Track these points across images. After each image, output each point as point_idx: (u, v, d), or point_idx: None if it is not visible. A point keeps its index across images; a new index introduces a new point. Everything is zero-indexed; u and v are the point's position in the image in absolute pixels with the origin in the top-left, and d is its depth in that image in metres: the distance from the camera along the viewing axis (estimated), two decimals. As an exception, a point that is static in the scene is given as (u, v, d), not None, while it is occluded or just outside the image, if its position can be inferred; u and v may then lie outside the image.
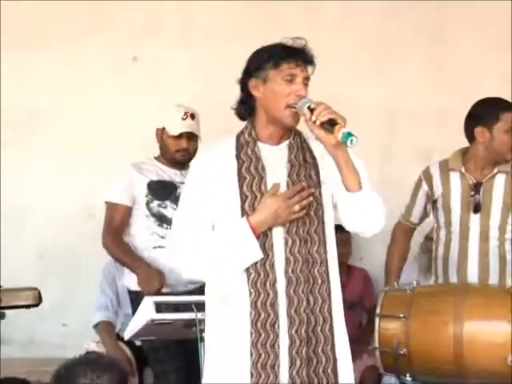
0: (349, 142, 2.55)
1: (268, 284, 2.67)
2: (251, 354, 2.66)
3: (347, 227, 2.73)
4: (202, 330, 3.11)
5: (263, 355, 2.66)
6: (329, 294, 2.72)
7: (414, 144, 4.56)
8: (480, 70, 4.75)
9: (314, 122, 2.58)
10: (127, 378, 2.74)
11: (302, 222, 2.69)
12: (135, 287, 3.83)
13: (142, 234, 3.88)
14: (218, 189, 2.70)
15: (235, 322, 2.69)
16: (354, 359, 2.81)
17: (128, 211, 3.88)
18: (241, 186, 2.70)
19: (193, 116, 3.89)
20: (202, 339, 3.10)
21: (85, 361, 2.66)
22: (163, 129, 3.92)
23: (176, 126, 3.87)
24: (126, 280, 3.93)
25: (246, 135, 2.74)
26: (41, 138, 4.75)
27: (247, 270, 2.67)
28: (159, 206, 3.88)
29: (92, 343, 4.13)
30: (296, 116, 2.66)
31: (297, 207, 2.65)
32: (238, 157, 2.72)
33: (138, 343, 4.01)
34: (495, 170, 3.69)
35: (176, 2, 4.80)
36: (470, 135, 3.72)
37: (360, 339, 4.34)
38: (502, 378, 3.16)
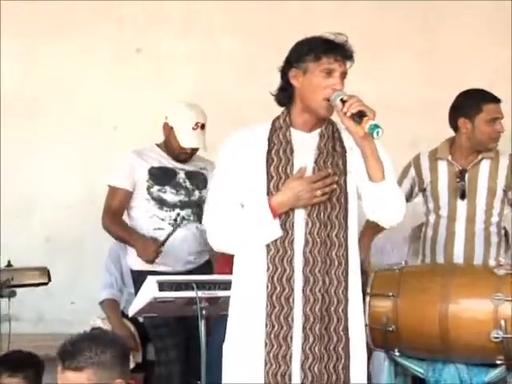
0: (375, 134, 2.56)
1: (285, 260, 2.68)
2: (266, 325, 2.67)
3: (370, 217, 2.73)
4: (202, 308, 3.14)
5: (276, 326, 2.67)
6: (345, 277, 2.71)
7: (402, 133, 4.55)
8: (466, 62, 4.72)
9: (345, 113, 2.59)
10: (129, 353, 2.75)
11: (324, 207, 2.69)
12: (137, 267, 3.84)
13: (143, 216, 3.87)
14: (248, 168, 2.71)
15: (253, 294, 2.71)
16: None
17: (128, 195, 3.87)
18: (268, 167, 2.71)
19: (203, 126, 3.83)
20: (202, 316, 3.13)
21: (89, 337, 2.66)
22: (171, 128, 3.86)
23: (185, 138, 3.81)
24: (130, 259, 3.93)
25: (281, 120, 2.76)
26: (46, 127, 4.70)
27: (267, 245, 2.68)
28: (159, 190, 3.87)
29: (98, 320, 4.13)
30: (330, 108, 2.67)
31: (319, 192, 2.65)
32: (269, 140, 2.74)
33: (141, 320, 4.01)
34: (480, 157, 3.70)
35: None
36: (454, 125, 3.73)
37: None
38: (485, 352, 3.18)
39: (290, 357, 2.66)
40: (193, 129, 3.82)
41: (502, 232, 3.76)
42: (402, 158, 3.87)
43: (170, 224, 3.84)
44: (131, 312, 3.45)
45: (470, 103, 3.67)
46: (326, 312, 2.68)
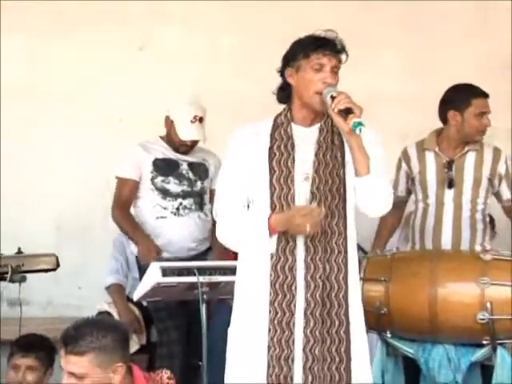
0: (357, 131, 2.57)
1: (288, 250, 2.68)
2: (269, 312, 2.68)
3: (359, 207, 2.74)
4: (203, 292, 3.15)
5: (280, 313, 2.67)
6: (345, 264, 2.72)
7: (390, 126, 4.54)
8: (451, 57, 4.72)
9: (333, 109, 2.60)
10: (128, 337, 2.77)
11: (325, 197, 2.70)
12: (141, 254, 3.87)
13: (147, 205, 3.88)
14: (252, 163, 2.72)
15: (256, 282, 2.71)
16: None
17: (136, 185, 3.88)
18: (270, 161, 2.72)
19: (201, 119, 3.84)
20: (203, 300, 3.14)
21: (91, 322, 2.68)
22: (172, 121, 3.87)
23: (184, 131, 3.82)
24: (134, 247, 3.93)
25: (283, 117, 2.77)
26: (56, 120, 4.68)
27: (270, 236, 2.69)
28: (163, 181, 3.87)
29: (104, 304, 4.13)
30: (323, 101, 2.67)
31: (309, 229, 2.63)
32: (272, 135, 2.75)
33: (145, 304, 4.01)
34: (466, 149, 3.70)
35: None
36: (443, 118, 3.72)
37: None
38: (472, 333, 3.18)
39: (293, 341, 2.66)
40: (191, 122, 3.83)
41: (487, 219, 3.78)
42: (389, 152, 3.85)
43: (172, 213, 3.85)
44: (136, 296, 3.46)
45: (460, 97, 3.68)
46: (327, 298, 2.68)
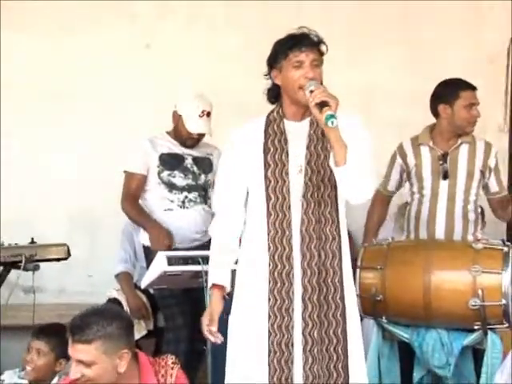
0: (329, 123, 2.56)
1: (285, 240, 2.70)
2: (269, 300, 2.69)
3: (342, 195, 2.74)
4: (207, 280, 3.13)
5: (279, 300, 2.69)
6: (339, 250, 2.73)
7: (388, 119, 4.53)
8: (447, 53, 4.70)
9: (311, 102, 2.60)
10: (133, 324, 2.78)
11: (317, 188, 2.71)
12: (149, 243, 3.84)
13: (154, 198, 3.88)
14: (248, 159, 2.74)
15: (256, 272, 2.73)
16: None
17: (143, 179, 3.88)
18: (265, 156, 2.73)
19: (208, 114, 3.83)
20: (207, 288, 3.13)
21: (96, 311, 2.69)
22: (180, 116, 3.86)
23: (192, 124, 3.82)
24: (141, 237, 3.93)
25: (275, 113, 2.79)
26: (68, 116, 4.67)
27: (268, 227, 2.70)
28: (169, 175, 3.87)
29: (113, 291, 4.13)
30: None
31: None
32: (265, 131, 2.76)
33: (152, 291, 4.02)
34: (459, 141, 3.70)
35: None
36: (434, 112, 3.72)
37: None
38: (464, 318, 3.19)
39: (292, 327, 2.68)
40: (199, 116, 3.82)
41: (479, 210, 3.77)
42: (387, 145, 3.86)
43: (178, 206, 3.85)
44: (143, 284, 3.47)
45: (449, 91, 3.68)
46: (323, 283, 2.69)
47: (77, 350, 2.59)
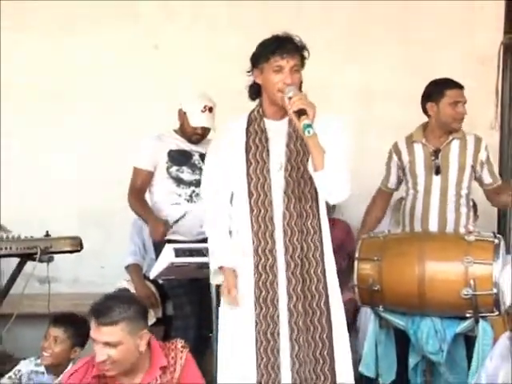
0: (306, 132, 2.58)
1: (267, 234, 2.71)
2: (254, 292, 2.72)
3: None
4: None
5: (264, 291, 2.71)
6: (320, 243, 2.75)
7: (387, 119, 4.52)
8: (442, 54, 4.69)
9: (290, 109, 2.62)
10: (146, 308, 2.80)
11: (298, 184, 2.72)
12: (156, 237, 3.88)
13: (162, 193, 3.88)
14: (231, 157, 2.75)
15: (242, 265, 2.76)
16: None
17: (149, 175, 3.89)
18: (247, 155, 2.74)
19: (210, 109, 3.85)
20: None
21: (114, 297, 2.73)
22: (185, 113, 3.89)
23: (195, 118, 3.84)
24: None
25: (256, 112, 2.80)
26: (78, 115, 4.64)
27: (251, 222, 2.72)
28: (177, 170, 3.88)
29: (124, 281, 4.14)
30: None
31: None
32: (247, 130, 2.77)
33: (160, 282, 4.04)
34: (450, 138, 3.70)
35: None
36: (424, 111, 3.75)
37: (341, 278, 4.35)
38: (457, 307, 3.20)
39: (278, 316, 2.70)
40: (201, 111, 3.84)
41: (471, 203, 3.77)
42: (384, 145, 3.87)
43: (185, 200, 3.87)
44: (152, 275, 3.48)
45: (436, 90, 3.69)
46: (306, 274, 2.71)
47: (103, 333, 2.61)
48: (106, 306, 2.64)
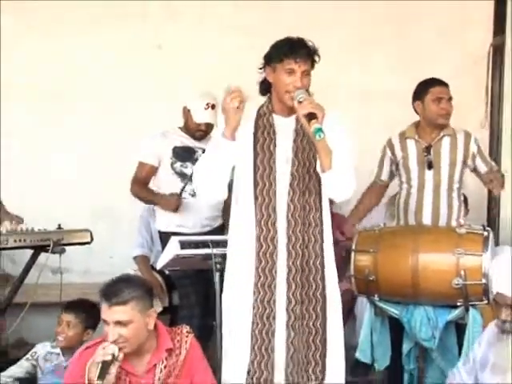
0: (317, 136, 2.59)
1: (270, 223, 2.72)
2: (254, 277, 2.73)
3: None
4: (217, 262, 3.16)
5: (263, 278, 2.72)
6: (321, 235, 2.76)
7: (387, 119, 4.50)
8: (447, 53, 4.68)
9: (300, 113, 2.63)
10: (152, 289, 2.83)
11: (303, 178, 2.74)
12: (164, 229, 3.88)
13: (167, 188, 3.89)
14: (239, 146, 2.74)
15: (244, 252, 2.77)
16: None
17: (153, 169, 3.90)
18: (255, 146, 2.76)
19: (213, 106, 3.86)
20: (217, 269, 3.14)
21: (122, 279, 2.77)
22: (189, 110, 3.91)
23: (198, 115, 3.86)
24: (157, 223, 3.97)
25: (265, 107, 2.81)
26: (85, 114, 4.60)
27: (255, 212, 2.73)
28: (181, 166, 3.90)
29: (132, 271, 4.13)
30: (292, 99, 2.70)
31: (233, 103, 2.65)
32: (256, 123, 2.79)
33: (167, 272, 4.06)
34: (441, 134, 3.71)
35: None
36: (414, 109, 3.76)
37: (339, 268, 4.37)
38: (448, 296, 3.22)
39: (274, 301, 2.71)
40: (204, 108, 3.87)
41: (462, 198, 3.78)
42: (378, 143, 3.87)
43: (190, 194, 3.87)
44: (159, 266, 3.50)
45: (421, 88, 3.71)
46: (306, 265, 2.73)
47: (115, 312, 2.65)
48: (116, 288, 2.68)
